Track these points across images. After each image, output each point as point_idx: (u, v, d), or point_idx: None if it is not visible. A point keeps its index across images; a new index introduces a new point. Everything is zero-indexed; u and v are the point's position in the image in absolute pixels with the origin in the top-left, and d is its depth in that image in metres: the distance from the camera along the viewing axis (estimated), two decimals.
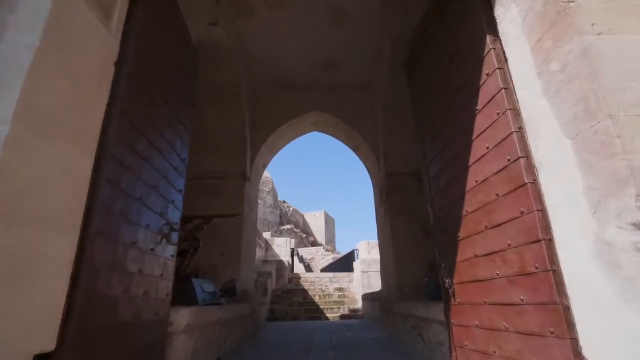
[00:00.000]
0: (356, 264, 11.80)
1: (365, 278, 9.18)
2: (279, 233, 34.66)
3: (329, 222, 52.84)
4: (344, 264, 13.98)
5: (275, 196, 45.59)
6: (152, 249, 1.95)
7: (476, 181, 1.85)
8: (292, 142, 6.90)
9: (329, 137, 6.89)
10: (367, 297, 8.02)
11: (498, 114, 1.65)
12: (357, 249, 13.68)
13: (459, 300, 2.08)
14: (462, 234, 2.04)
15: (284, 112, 6.06)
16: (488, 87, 1.73)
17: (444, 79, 2.35)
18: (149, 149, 1.92)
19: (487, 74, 1.73)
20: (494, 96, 1.68)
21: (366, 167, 6.51)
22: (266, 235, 21.48)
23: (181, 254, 3.71)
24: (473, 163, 1.89)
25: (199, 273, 3.97)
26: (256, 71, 5.66)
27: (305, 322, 8.13)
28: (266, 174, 44.39)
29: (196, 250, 3.83)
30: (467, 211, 1.96)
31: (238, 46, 4.96)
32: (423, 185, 2.97)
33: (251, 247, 5.65)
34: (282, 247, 12.12)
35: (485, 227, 1.76)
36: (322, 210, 51.56)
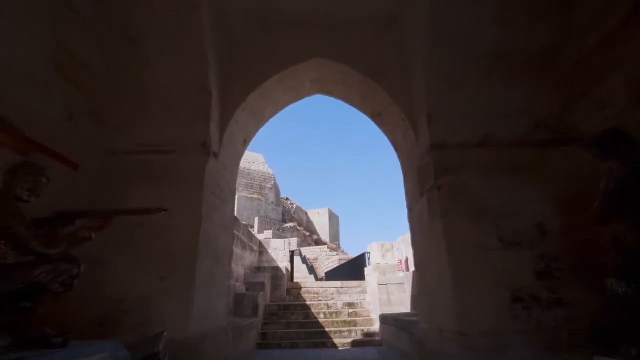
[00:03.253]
0: (368, 271, 9.83)
1: (384, 292, 7.20)
2: (281, 231, 32.94)
3: (333, 219, 51.25)
4: (353, 269, 12.00)
5: (277, 193, 43.99)
6: None
7: None
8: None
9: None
10: (388, 321, 6.05)
11: None
12: (369, 252, 11.71)
13: None
14: None
15: (270, 60, 4.07)
16: None
17: None
18: None
19: None
20: None
21: (392, 142, 4.50)
22: (266, 234, 19.56)
23: (28, 296, 1.74)
24: None
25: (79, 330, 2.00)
26: None
27: (306, 352, 6.19)
28: (268, 169, 42.93)
29: (69, 285, 1.85)
30: None
31: None
32: None
33: (221, 260, 3.68)
34: (279, 250, 10.17)
35: None
36: (326, 207, 49.92)
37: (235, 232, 7.33)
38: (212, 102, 3.55)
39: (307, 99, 4.89)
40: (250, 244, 8.98)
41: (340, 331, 7.01)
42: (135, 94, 3.42)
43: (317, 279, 15.28)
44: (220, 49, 3.77)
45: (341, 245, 47.95)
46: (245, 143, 4.53)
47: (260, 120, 4.56)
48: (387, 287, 7.26)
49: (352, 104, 4.73)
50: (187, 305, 2.86)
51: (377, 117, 4.49)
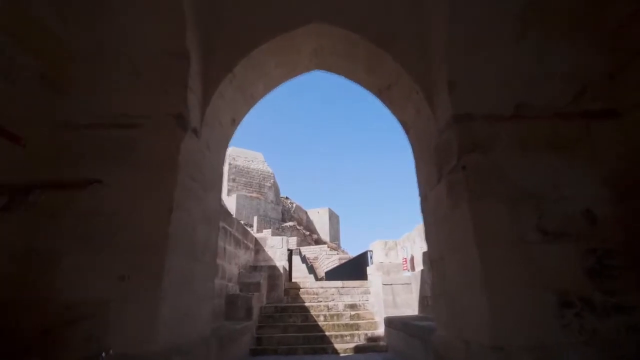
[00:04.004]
0: (371, 270, 9.27)
1: (389, 293, 6.62)
2: (281, 230, 32.46)
3: (334, 219, 50.82)
4: (355, 268, 11.44)
5: (277, 192, 43.50)
6: None
7: None
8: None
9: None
10: (395, 325, 5.48)
11: None
12: (371, 250, 11.15)
13: None
14: None
15: (261, 24, 3.49)
16: None
17: None
18: None
19: None
20: None
21: (402, 122, 3.93)
22: (266, 233, 19.02)
23: None
24: None
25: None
26: None
27: (305, 358, 5.63)
28: (267, 168, 42.49)
29: None
30: None
31: None
32: None
33: (202, 258, 3.11)
34: (277, 248, 9.60)
35: None
36: (326, 207, 49.50)
37: (227, 227, 6.77)
38: (191, 68, 2.97)
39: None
40: (245, 242, 8.41)
41: (341, 335, 6.45)
42: (96, 55, 2.85)
43: (317, 279, 14.74)
44: (201, 7, 3.20)
45: (341, 245, 47.52)
46: (234, 123, 3.95)
47: (251, 97, 3.98)
48: (393, 287, 6.69)
49: (356, 79, 4.15)
50: (151, 311, 2.29)
51: (385, 93, 3.91)
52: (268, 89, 4.12)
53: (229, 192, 35.23)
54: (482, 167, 2.61)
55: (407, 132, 3.89)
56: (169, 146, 2.71)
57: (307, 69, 4.20)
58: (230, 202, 32.52)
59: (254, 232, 20.51)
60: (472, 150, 2.65)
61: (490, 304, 2.30)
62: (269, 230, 22.98)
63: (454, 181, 2.74)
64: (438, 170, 3.08)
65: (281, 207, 41.99)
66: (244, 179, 37.79)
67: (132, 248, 2.42)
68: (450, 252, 2.85)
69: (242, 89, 3.74)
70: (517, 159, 2.64)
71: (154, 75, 2.88)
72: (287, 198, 45.30)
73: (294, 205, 45.41)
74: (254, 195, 36.85)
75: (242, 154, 39.91)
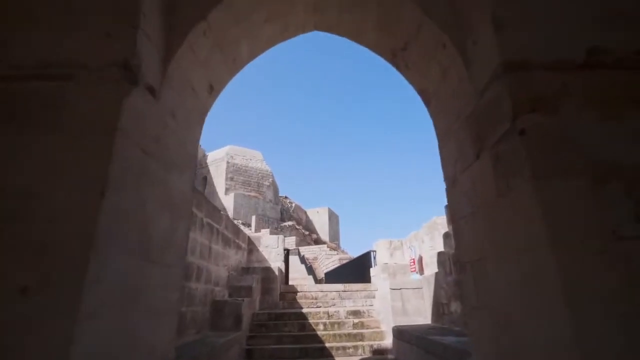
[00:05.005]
0: (375, 271, 8.52)
1: (398, 299, 5.84)
2: (279, 230, 31.67)
3: (333, 218, 50.15)
4: (357, 269, 10.67)
5: (276, 191, 42.76)
6: None
7: None
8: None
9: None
10: (407, 338, 4.71)
11: None
12: (374, 250, 10.39)
13: None
14: None
15: None
16: None
17: None
18: None
19: None
20: None
21: (422, 90, 3.17)
22: (264, 233, 18.25)
23: None
24: None
25: None
26: None
27: None
28: (266, 167, 41.78)
29: None
30: None
31: None
32: None
33: (161, 259, 2.34)
34: (272, 248, 8.81)
35: None
36: (325, 206, 48.82)
37: (214, 224, 6.00)
38: (145, 4, 2.21)
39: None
40: (237, 241, 7.64)
41: (343, 347, 5.68)
42: None
43: (316, 280, 13.98)
44: None
45: (341, 245, 46.86)
46: (212, 91, 3.18)
47: (233, 59, 3.21)
48: (402, 292, 5.92)
49: (364, 42, 3.38)
50: (64, 340, 1.51)
51: (400, 55, 3.15)
52: (254, 51, 3.36)
53: (227, 191, 34.55)
54: (548, 132, 1.85)
55: (428, 102, 3.13)
56: (106, 102, 1.94)
57: (304, 28, 3.44)
58: (228, 201, 31.85)
59: (251, 231, 19.74)
60: (532, 109, 1.89)
61: (573, 327, 1.54)
62: (267, 230, 22.26)
63: (505, 153, 1.98)
64: (476, 144, 2.32)
65: (280, 207, 41.31)
66: (242, 178, 37.09)
67: (45, 246, 1.65)
68: (499, 252, 2.09)
69: (221, 47, 2.97)
70: (595, 122, 1.88)
71: (94, 12, 2.12)
72: (286, 197, 44.61)
73: (293, 204, 44.71)
74: (252, 194, 36.13)
75: (240, 152, 39.18)
